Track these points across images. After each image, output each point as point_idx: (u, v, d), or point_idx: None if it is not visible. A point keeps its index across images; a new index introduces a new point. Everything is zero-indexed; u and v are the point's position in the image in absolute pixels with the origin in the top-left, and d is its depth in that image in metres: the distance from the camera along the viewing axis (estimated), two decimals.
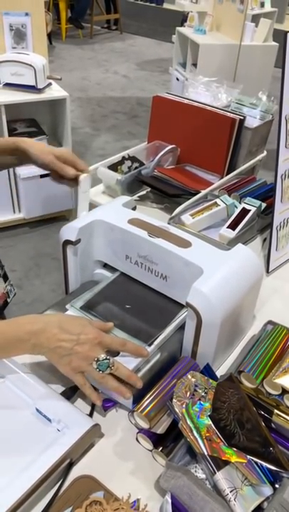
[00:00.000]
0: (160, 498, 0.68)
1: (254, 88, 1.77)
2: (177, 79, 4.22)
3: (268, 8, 4.59)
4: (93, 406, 0.79)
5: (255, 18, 4.16)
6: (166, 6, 9.24)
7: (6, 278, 1.20)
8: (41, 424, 0.72)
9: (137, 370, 0.78)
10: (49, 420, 0.72)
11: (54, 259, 2.58)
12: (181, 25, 4.48)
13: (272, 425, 0.74)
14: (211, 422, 0.69)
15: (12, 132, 2.65)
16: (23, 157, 0.89)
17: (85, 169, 0.91)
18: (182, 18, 5.34)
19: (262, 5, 4.57)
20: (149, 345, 0.81)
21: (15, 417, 0.73)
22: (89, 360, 0.71)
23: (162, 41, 7.18)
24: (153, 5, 9.48)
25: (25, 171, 2.65)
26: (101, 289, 0.92)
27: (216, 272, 0.80)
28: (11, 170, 2.65)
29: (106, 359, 0.71)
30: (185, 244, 0.85)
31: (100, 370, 0.71)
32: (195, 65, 3.89)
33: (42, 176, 2.67)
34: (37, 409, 0.73)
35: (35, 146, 0.88)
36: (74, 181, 0.93)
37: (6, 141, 0.88)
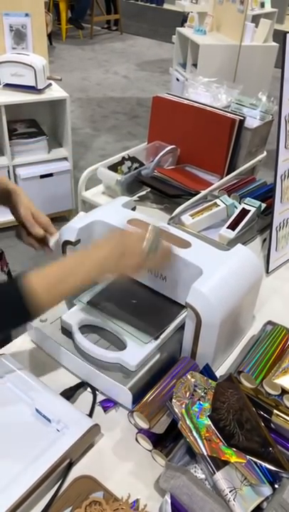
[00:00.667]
0: (160, 498, 0.68)
1: (254, 88, 1.77)
2: (177, 79, 4.22)
3: (268, 8, 4.59)
4: (93, 406, 0.79)
5: (256, 19, 4.16)
6: (166, 6, 9.24)
7: (10, 275, 1.20)
8: (41, 425, 0.72)
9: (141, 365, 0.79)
10: (49, 420, 0.72)
11: (54, 259, 2.58)
12: (182, 25, 4.48)
13: (272, 425, 0.74)
14: (210, 422, 0.69)
15: (12, 133, 2.65)
16: (6, 198, 0.92)
17: (54, 235, 0.92)
18: (182, 18, 5.34)
19: (262, 5, 4.58)
20: (156, 338, 0.83)
21: (15, 417, 0.73)
22: None
23: (162, 42, 7.18)
24: (153, 5, 9.48)
25: (25, 171, 2.65)
26: (105, 286, 0.93)
27: (215, 273, 0.80)
28: (11, 170, 2.65)
29: None
30: (185, 244, 0.86)
31: None
32: (195, 65, 3.89)
33: (42, 177, 2.68)
34: (37, 410, 0.73)
35: (21, 197, 0.91)
36: (41, 243, 0.93)
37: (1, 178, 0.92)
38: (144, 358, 0.79)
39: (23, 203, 0.91)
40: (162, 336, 0.84)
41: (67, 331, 0.86)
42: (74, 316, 0.87)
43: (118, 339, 0.85)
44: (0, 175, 1.05)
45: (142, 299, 0.91)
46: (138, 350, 0.80)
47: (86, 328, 0.87)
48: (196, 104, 1.49)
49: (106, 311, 0.88)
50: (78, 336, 0.83)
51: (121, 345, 0.83)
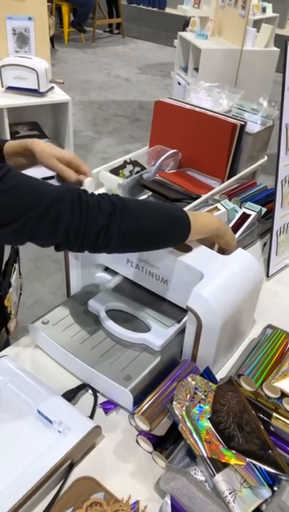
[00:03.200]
0: (160, 499, 0.69)
1: (255, 93, 1.78)
2: (179, 83, 4.24)
3: (269, 13, 4.62)
4: (94, 408, 0.80)
5: (257, 24, 4.19)
6: (168, 10, 9.28)
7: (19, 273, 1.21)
8: (43, 426, 0.73)
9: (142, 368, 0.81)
10: (50, 422, 0.73)
11: (54, 261, 2.59)
12: (183, 29, 4.50)
13: (271, 428, 0.74)
14: (210, 425, 0.70)
15: (14, 135, 2.67)
16: (34, 158, 0.90)
17: (87, 172, 0.92)
18: (184, 22, 5.37)
19: (263, 10, 4.61)
20: (178, 322, 0.88)
21: (17, 419, 0.74)
22: None
23: (164, 45, 7.21)
24: (155, 9, 9.53)
25: (26, 173, 2.67)
26: (124, 277, 0.98)
27: (216, 277, 0.80)
28: None
29: None
30: (185, 248, 0.86)
31: None
32: (197, 69, 3.91)
33: (44, 179, 2.69)
34: (39, 411, 0.74)
35: (41, 147, 0.89)
36: (77, 184, 0.93)
37: (19, 142, 0.89)
38: (168, 339, 0.86)
39: (46, 154, 0.88)
40: (184, 319, 0.88)
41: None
42: (100, 301, 0.93)
43: (140, 324, 0.90)
44: None
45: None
46: (162, 332, 0.87)
47: (110, 314, 0.91)
48: (197, 109, 1.51)
49: (130, 297, 0.94)
50: (106, 319, 0.89)
51: (142, 330, 0.88)
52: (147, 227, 0.74)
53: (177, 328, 0.88)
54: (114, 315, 0.91)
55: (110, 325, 0.88)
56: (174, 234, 0.78)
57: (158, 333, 0.87)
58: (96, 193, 0.73)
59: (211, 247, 0.88)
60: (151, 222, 0.74)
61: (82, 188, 0.92)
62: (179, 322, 0.89)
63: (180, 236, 0.78)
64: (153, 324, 0.89)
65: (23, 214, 0.64)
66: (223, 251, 0.88)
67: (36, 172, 0.92)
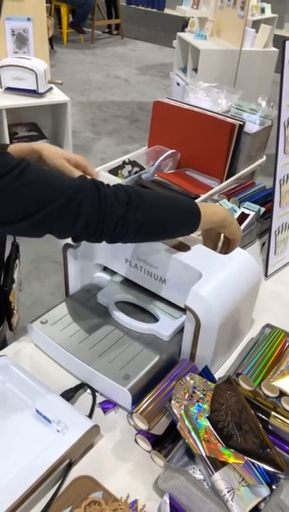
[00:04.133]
0: (158, 498, 0.69)
1: (254, 93, 1.78)
2: (178, 84, 4.24)
3: (268, 14, 4.63)
4: (92, 407, 0.80)
5: (256, 24, 4.19)
6: (167, 11, 9.29)
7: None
8: (41, 425, 0.73)
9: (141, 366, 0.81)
10: (49, 421, 0.73)
11: (54, 262, 2.58)
12: (182, 30, 4.51)
13: (270, 427, 0.74)
14: (209, 424, 0.70)
15: (13, 136, 2.67)
16: (38, 160, 0.91)
17: (93, 173, 0.93)
18: (183, 23, 5.38)
19: (262, 11, 4.61)
20: (185, 313, 0.87)
21: (15, 418, 0.74)
22: None
23: (163, 46, 7.21)
24: (154, 10, 9.54)
25: None
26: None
27: (214, 276, 0.81)
28: None
29: None
30: (184, 247, 0.86)
31: None
32: (196, 70, 3.92)
33: None
34: (37, 410, 0.74)
35: (48, 148, 0.91)
36: None
37: (25, 145, 0.91)
38: (175, 330, 0.88)
39: (55, 155, 0.90)
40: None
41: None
42: (109, 293, 0.96)
43: (147, 316, 0.93)
44: None
45: None
46: (170, 323, 0.89)
47: (118, 306, 0.94)
48: (196, 109, 1.51)
49: (138, 289, 0.95)
50: (115, 310, 0.92)
51: (150, 321, 0.91)
52: (161, 217, 0.76)
53: (184, 319, 0.88)
54: (123, 307, 0.94)
55: (120, 316, 0.90)
56: (186, 224, 0.79)
57: (166, 324, 0.89)
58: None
59: (218, 237, 0.90)
60: (165, 212, 0.76)
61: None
62: (185, 313, 0.89)
63: (191, 226, 0.80)
64: (161, 315, 0.91)
65: (43, 207, 0.65)
66: (228, 242, 0.89)
67: None
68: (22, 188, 0.64)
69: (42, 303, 2.35)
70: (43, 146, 0.90)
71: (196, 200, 1.34)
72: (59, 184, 0.68)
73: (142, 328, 0.89)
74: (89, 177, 0.73)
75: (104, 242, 0.73)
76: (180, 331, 0.87)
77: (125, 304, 0.96)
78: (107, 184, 0.72)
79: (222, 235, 0.89)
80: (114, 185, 0.73)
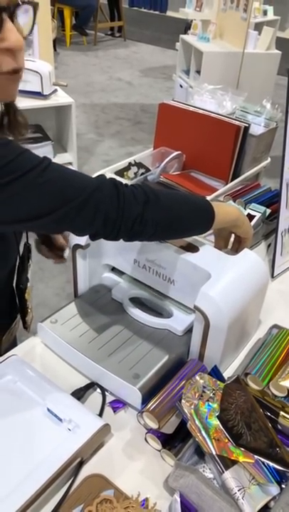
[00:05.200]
0: (169, 497, 0.69)
1: (257, 95, 1.79)
2: (181, 86, 4.26)
3: (270, 16, 4.64)
4: (103, 406, 0.81)
5: (258, 26, 4.21)
6: (169, 13, 9.32)
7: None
8: (52, 424, 0.74)
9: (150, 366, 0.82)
10: (60, 420, 0.74)
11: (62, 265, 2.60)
12: (185, 32, 4.53)
13: (279, 426, 0.75)
14: (218, 423, 0.70)
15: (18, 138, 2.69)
16: None
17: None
18: (185, 25, 5.40)
19: (265, 13, 4.63)
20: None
21: (27, 417, 0.75)
22: None
23: (165, 48, 7.24)
24: (156, 12, 9.57)
25: None
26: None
27: (223, 277, 0.81)
28: None
29: None
30: (193, 248, 0.87)
31: None
32: (198, 72, 3.93)
33: None
34: (48, 409, 0.75)
35: None
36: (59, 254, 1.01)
37: None
38: (189, 325, 0.89)
39: None
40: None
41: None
42: (123, 289, 0.98)
43: (161, 311, 0.95)
44: None
45: None
46: (184, 318, 0.91)
47: (132, 302, 0.95)
48: (201, 111, 1.52)
49: (149, 290, 0.97)
50: (130, 307, 0.94)
51: (164, 316, 0.93)
52: (178, 215, 0.77)
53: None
54: (136, 303, 0.95)
55: (135, 311, 0.92)
56: (201, 223, 0.81)
57: (180, 319, 0.91)
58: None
59: (229, 236, 0.92)
60: (181, 211, 0.77)
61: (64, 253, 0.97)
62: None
63: (205, 225, 0.81)
64: (175, 310, 0.93)
65: (64, 204, 0.66)
66: (239, 241, 0.91)
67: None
68: (44, 185, 0.65)
69: (46, 304, 2.36)
70: None
71: None
72: (79, 182, 0.69)
73: (156, 323, 0.91)
74: (108, 176, 0.74)
75: (111, 244, 0.75)
76: (188, 331, 0.88)
77: (135, 301, 0.97)
78: (125, 184, 0.74)
79: (233, 234, 0.90)
80: (132, 185, 0.74)
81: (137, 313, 0.92)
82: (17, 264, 0.96)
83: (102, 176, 0.73)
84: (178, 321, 0.90)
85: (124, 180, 1.44)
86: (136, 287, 0.99)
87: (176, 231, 0.80)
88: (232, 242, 0.93)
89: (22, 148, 0.65)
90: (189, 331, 0.87)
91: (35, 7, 0.70)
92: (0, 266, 0.87)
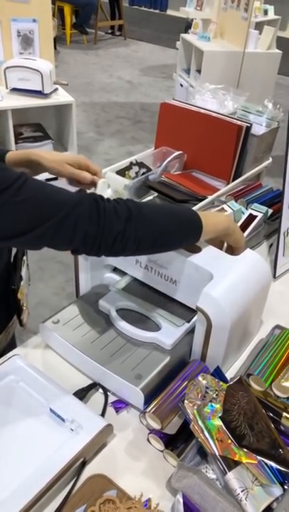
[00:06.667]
0: (171, 497, 0.69)
1: (257, 94, 1.78)
2: (181, 85, 4.25)
3: (271, 15, 4.63)
4: (105, 407, 0.81)
5: (259, 26, 4.20)
6: (169, 12, 9.30)
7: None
8: (55, 424, 0.74)
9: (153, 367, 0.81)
10: (63, 420, 0.74)
11: (58, 262, 2.59)
12: (185, 31, 4.51)
13: (282, 427, 0.75)
14: (221, 423, 0.70)
15: (18, 136, 2.68)
16: (38, 168, 0.91)
17: (98, 172, 0.93)
18: (186, 24, 5.39)
19: (265, 12, 4.62)
20: (188, 321, 0.89)
21: (29, 417, 0.75)
22: None
23: (166, 47, 7.23)
24: (157, 11, 9.55)
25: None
26: (132, 278, 0.99)
27: (225, 277, 0.81)
28: None
29: None
30: (195, 249, 0.87)
31: None
32: (199, 71, 3.92)
33: (47, 180, 2.70)
34: (51, 410, 0.75)
35: (48, 156, 0.90)
36: (91, 185, 0.95)
37: (19, 153, 0.91)
38: (178, 338, 0.87)
39: (57, 162, 0.89)
40: (194, 319, 0.89)
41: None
42: (111, 300, 0.94)
43: (150, 323, 0.92)
44: None
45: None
46: (172, 331, 0.88)
47: (120, 314, 0.92)
48: (203, 111, 1.51)
49: (140, 296, 0.95)
50: (117, 318, 0.90)
51: (152, 330, 0.89)
52: (162, 231, 0.75)
53: (187, 327, 0.89)
54: (125, 314, 0.92)
55: (121, 324, 0.89)
56: (187, 236, 0.79)
57: (168, 332, 0.88)
58: (105, 194, 0.74)
59: (221, 245, 0.90)
60: (166, 226, 0.76)
61: (95, 188, 0.93)
62: (188, 321, 0.90)
63: (192, 237, 0.80)
64: (163, 323, 0.90)
65: (42, 222, 0.65)
66: (232, 249, 0.89)
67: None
68: (20, 204, 0.64)
69: (46, 303, 2.36)
70: (41, 155, 0.89)
71: (204, 202, 1.35)
72: (57, 199, 0.67)
73: (143, 336, 0.87)
74: (88, 191, 0.73)
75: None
76: (190, 331, 0.88)
77: (128, 310, 0.95)
78: (107, 198, 0.72)
79: (225, 242, 0.90)
80: (114, 200, 0.73)
81: (123, 326, 0.89)
82: (10, 263, 0.95)
83: (82, 192, 0.72)
84: (166, 334, 0.87)
85: (125, 181, 1.44)
86: (124, 298, 0.95)
87: (162, 246, 0.78)
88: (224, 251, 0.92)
89: None
90: (191, 331, 0.87)
91: None
92: None
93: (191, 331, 0.88)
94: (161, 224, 0.75)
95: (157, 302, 0.94)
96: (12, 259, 1.00)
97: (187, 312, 0.91)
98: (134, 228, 0.71)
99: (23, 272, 1.00)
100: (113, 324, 0.91)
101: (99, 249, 0.71)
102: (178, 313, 0.92)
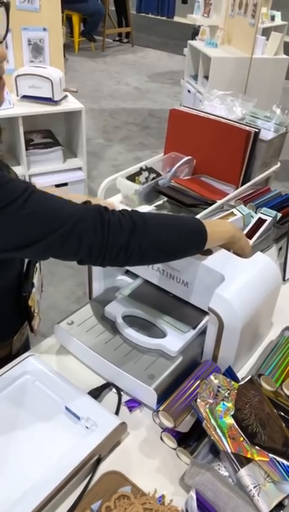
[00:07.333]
0: (185, 494, 0.71)
1: (265, 100, 1.80)
2: (189, 91, 4.29)
3: (278, 21, 4.66)
4: (118, 406, 0.82)
5: (266, 32, 4.22)
6: (176, 19, 9.37)
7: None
8: (71, 422, 0.76)
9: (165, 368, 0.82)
10: (78, 418, 0.75)
11: (68, 266, 2.62)
12: (192, 38, 4.55)
13: None
14: (234, 422, 0.72)
15: (28, 143, 2.72)
16: None
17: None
18: (192, 31, 5.43)
19: (272, 18, 4.65)
20: (194, 328, 0.90)
21: (46, 415, 0.77)
22: None
23: (173, 54, 7.28)
24: (164, 18, 9.62)
25: (40, 180, 2.71)
26: (141, 283, 1.00)
27: (237, 279, 0.83)
28: (27, 179, 2.71)
29: None
30: (206, 251, 0.89)
31: None
32: (206, 77, 3.95)
33: (57, 186, 2.73)
34: (66, 408, 0.77)
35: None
36: None
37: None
38: (183, 345, 0.87)
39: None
40: (199, 326, 0.90)
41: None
42: (117, 307, 0.95)
43: (155, 330, 0.92)
44: None
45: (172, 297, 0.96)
46: (178, 338, 0.88)
47: (126, 320, 0.93)
48: (211, 117, 1.54)
49: (146, 303, 0.95)
50: (123, 325, 0.90)
51: (158, 335, 0.90)
52: (166, 241, 0.76)
53: (193, 334, 0.90)
54: (131, 321, 0.93)
55: (127, 331, 0.90)
56: (192, 246, 0.80)
57: (174, 339, 0.88)
58: (116, 208, 0.76)
59: None
60: (170, 237, 0.77)
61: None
62: (194, 328, 0.90)
63: (197, 247, 0.81)
64: (169, 330, 0.90)
65: (47, 235, 0.67)
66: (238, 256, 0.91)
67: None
68: (26, 216, 0.65)
69: (57, 307, 2.38)
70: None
71: (213, 206, 1.36)
72: (63, 212, 0.69)
73: (149, 343, 0.88)
74: (94, 203, 0.75)
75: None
76: (202, 333, 0.90)
77: (134, 317, 0.95)
78: (112, 210, 0.73)
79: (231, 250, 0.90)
80: (119, 211, 0.74)
81: (129, 333, 0.89)
82: (23, 270, 0.97)
83: (88, 204, 0.73)
84: (171, 342, 0.87)
85: (135, 186, 1.46)
86: (130, 305, 0.96)
87: (167, 255, 0.79)
88: None
89: (3, 179, 0.65)
90: (203, 332, 0.89)
91: (7, 6, 0.67)
92: (4, 274, 0.87)
93: (202, 333, 0.89)
94: (166, 235, 0.76)
95: (163, 309, 0.94)
96: (26, 265, 1.02)
97: (193, 318, 0.92)
98: (139, 240, 0.72)
99: (36, 279, 1.01)
100: (120, 331, 0.91)
101: (104, 260, 0.72)
102: (184, 319, 0.92)
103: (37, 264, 1.04)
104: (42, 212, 0.67)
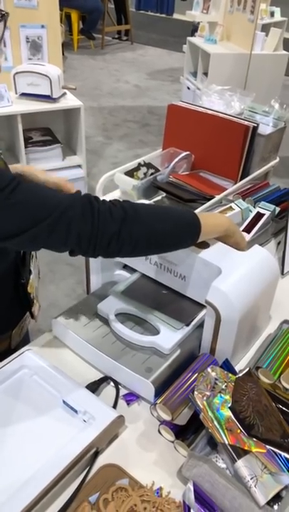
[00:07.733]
0: (182, 486, 0.71)
1: (265, 96, 1.80)
2: (188, 88, 4.28)
3: (277, 17, 4.65)
4: (116, 399, 0.82)
5: (265, 28, 4.22)
6: (176, 16, 9.35)
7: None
8: (68, 415, 0.76)
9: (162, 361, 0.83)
10: (75, 412, 0.76)
11: (68, 264, 2.62)
12: (192, 35, 4.54)
13: None
14: (231, 414, 0.72)
15: (28, 141, 2.72)
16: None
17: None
18: (192, 28, 5.42)
19: (272, 14, 4.64)
20: (187, 325, 0.89)
21: (43, 409, 0.77)
22: None
23: (172, 51, 7.26)
24: (163, 15, 9.60)
25: None
26: (136, 279, 0.99)
27: (234, 272, 0.83)
28: None
29: None
30: (203, 244, 0.89)
31: None
32: (206, 74, 3.95)
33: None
34: (64, 402, 0.77)
35: (27, 172, 0.98)
36: None
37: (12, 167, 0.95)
38: (176, 343, 0.86)
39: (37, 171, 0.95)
40: (193, 323, 0.90)
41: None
42: (110, 304, 0.94)
43: (149, 327, 0.91)
44: None
45: (170, 291, 0.95)
46: (171, 335, 0.87)
47: (120, 317, 0.92)
48: (210, 112, 1.53)
49: (139, 300, 0.94)
50: (115, 323, 0.89)
51: (152, 333, 0.89)
52: (158, 232, 0.76)
53: (186, 331, 0.89)
54: (124, 318, 0.93)
55: (120, 328, 0.89)
56: (185, 237, 0.80)
57: (167, 336, 0.87)
58: (108, 198, 0.76)
59: None
60: (163, 226, 0.76)
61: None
62: (188, 325, 0.90)
63: (191, 238, 0.80)
64: (162, 327, 0.90)
65: (34, 225, 0.67)
66: None
67: None
68: (13, 206, 0.65)
69: (57, 305, 2.38)
70: (30, 169, 0.97)
71: (212, 201, 1.36)
72: (50, 201, 0.68)
73: (142, 340, 0.87)
74: (84, 192, 0.74)
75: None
76: (199, 326, 0.89)
77: (128, 314, 0.94)
78: (103, 200, 0.73)
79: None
80: (110, 201, 0.73)
81: (122, 330, 0.88)
82: (19, 258, 0.97)
83: (77, 193, 0.73)
84: (165, 339, 0.86)
85: (133, 182, 1.46)
86: (123, 302, 0.95)
87: (159, 247, 0.78)
88: None
89: None
90: (200, 326, 0.88)
91: (4, 16, 0.70)
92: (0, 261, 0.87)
93: (199, 326, 0.89)
94: (158, 225, 0.75)
95: (156, 305, 0.93)
96: (21, 253, 1.02)
97: (187, 315, 0.91)
98: (130, 228, 0.71)
99: (32, 266, 1.02)
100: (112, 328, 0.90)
101: (94, 250, 0.71)
102: (177, 316, 0.91)
103: (33, 252, 1.04)
104: (30, 201, 0.67)
